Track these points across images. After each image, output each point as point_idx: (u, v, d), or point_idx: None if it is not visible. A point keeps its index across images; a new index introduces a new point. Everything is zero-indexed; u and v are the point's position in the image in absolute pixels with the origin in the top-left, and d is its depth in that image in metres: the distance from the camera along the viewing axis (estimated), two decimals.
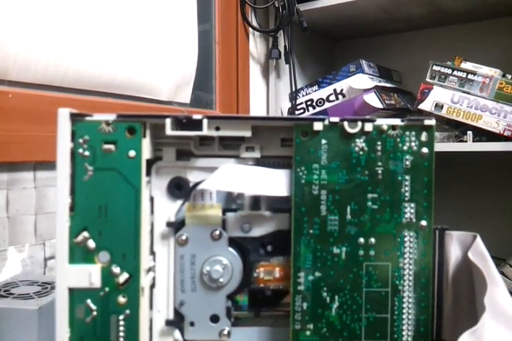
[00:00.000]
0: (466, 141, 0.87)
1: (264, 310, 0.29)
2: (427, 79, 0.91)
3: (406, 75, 1.07)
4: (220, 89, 0.94)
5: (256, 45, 1.03)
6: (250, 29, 0.99)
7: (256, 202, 0.28)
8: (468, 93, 0.88)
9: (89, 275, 0.26)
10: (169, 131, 0.27)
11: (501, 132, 0.85)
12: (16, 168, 0.56)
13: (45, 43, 0.58)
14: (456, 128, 0.89)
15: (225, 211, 0.28)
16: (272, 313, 0.30)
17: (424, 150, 0.27)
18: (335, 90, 0.96)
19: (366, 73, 0.98)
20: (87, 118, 0.26)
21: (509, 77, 0.87)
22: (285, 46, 0.99)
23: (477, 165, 1.02)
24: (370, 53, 1.05)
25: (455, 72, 0.89)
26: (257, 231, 0.28)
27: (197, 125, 0.27)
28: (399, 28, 1.07)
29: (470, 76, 0.88)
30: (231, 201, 0.29)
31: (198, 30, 0.86)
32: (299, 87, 1.00)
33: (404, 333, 0.27)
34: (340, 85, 0.97)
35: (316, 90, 1.00)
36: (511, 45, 1.00)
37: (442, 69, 0.90)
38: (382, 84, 0.99)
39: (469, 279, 0.26)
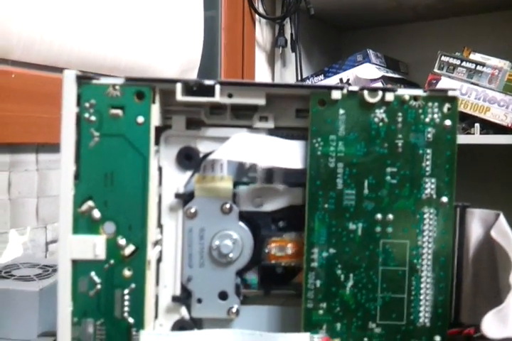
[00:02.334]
0: (474, 134, 0.86)
1: (275, 289, 0.28)
2: (435, 70, 0.89)
3: (413, 67, 1.06)
4: (225, 75, 0.92)
5: (262, 33, 1.01)
6: (257, 16, 0.98)
7: (269, 175, 0.27)
8: (477, 84, 0.87)
9: (94, 246, 0.25)
10: (180, 96, 0.25)
11: (509, 125, 0.84)
12: (18, 149, 0.55)
13: (49, 23, 0.57)
14: (463, 121, 0.87)
15: (235, 184, 0.27)
16: (282, 292, 0.28)
17: (447, 122, 0.25)
18: (341, 80, 0.95)
19: (373, 63, 0.97)
20: (94, 81, 0.25)
21: None
22: (291, 34, 0.98)
23: (484, 158, 1.01)
24: (377, 43, 1.04)
25: (464, 63, 0.88)
26: (269, 206, 0.27)
27: (209, 91, 0.25)
28: (407, 19, 1.05)
29: (479, 67, 0.87)
30: (242, 174, 0.27)
31: (204, 16, 0.85)
32: (304, 76, 0.99)
33: (421, 314, 0.26)
34: (347, 75, 0.95)
35: (321, 79, 0.98)
36: None
37: (451, 60, 0.89)
38: (389, 74, 0.98)
39: (491, 259, 0.25)
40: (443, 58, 0.90)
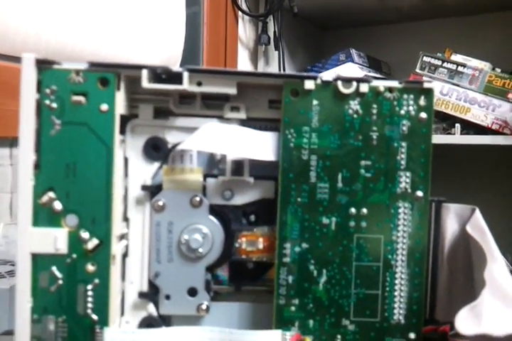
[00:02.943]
0: (454, 134, 0.86)
1: (246, 284, 0.27)
2: (417, 70, 0.89)
3: (395, 67, 1.06)
4: None
5: (245, 30, 1.00)
6: (239, 13, 0.97)
7: (238, 167, 0.26)
8: (458, 85, 0.87)
9: (55, 239, 0.24)
10: (146, 83, 0.24)
11: (489, 125, 0.85)
12: None
13: (25, 13, 0.55)
14: (444, 121, 0.88)
15: (205, 176, 0.26)
16: (253, 288, 0.27)
17: (423, 115, 0.25)
18: None
19: (356, 63, 0.97)
20: (55, 66, 0.24)
21: (498, 70, 0.87)
22: (274, 32, 0.97)
23: (464, 158, 1.02)
24: (360, 43, 1.04)
25: (445, 64, 0.88)
26: (240, 199, 0.26)
27: (177, 79, 0.24)
28: (390, 19, 1.06)
29: (460, 68, 0.87)
30: (213, 166, 0.26)
31: (187, 12, 0.84)
32: None
33: (395, 311, 0.25)
34: (330, 74, 0.95)
35: None
36: (501, 40, 1.00)
37: (432, 61, 0.89)
38: (372, 74, 0.98)
39: (466, 255, 0.25)
40: (425, 59, 0.90)
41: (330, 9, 1.01)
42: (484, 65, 0.86)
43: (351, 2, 0.97)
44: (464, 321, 0.20)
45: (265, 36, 0.98)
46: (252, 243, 0.26)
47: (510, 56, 0.93)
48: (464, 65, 0.86)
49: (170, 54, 0.79)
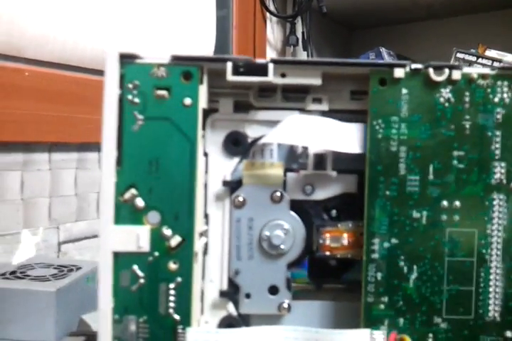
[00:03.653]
0: None
1: (328, 282, 0.26)
2: None
3: None
4: None
5: (273, 31, 1.00)
6: (268, 15, 0.96)
7: (320, 161, 0.25)
8: None
9: (137, 237, 0.23)
10: (230, 76, 0.23)
11: None
12: (31, 148, 0.54)
13: (62, 21, 0.55)
14: None
15: (286, 171, 0.25)
16: (332, 286, 0.27)
17: None
18: None
19: None
20: (138, 60, 0.23)
21: None
22: (303, 33, 0.97)
23: None
24: (388, 42, 1.02)
25: (480, 60, 0.87)
26: (321, 194, 0.25)
27: (260, 71, 0.24)
28: (419, 17, 1.04)
29: (495, 64, 0.85)
30: (293, 160, 0.26)
31: (216, 16, 0.84)
32: None
33: (490, 308, 0.24)
34: None
35: None
36: None
37: (467, 57, 0.87)
38: None
39: None
40: (458, 55, 0.88)
41: (358, 8, 1.00)
42: None
43: (380, 1, 0.96)
44: None
45: (293, 37, 0.97)
46: (337, 239, 0.25)
47: None
48: (499, 61, 0.84)
49: None
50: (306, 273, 0.27)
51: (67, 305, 0.39)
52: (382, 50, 0.97)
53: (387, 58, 0.96)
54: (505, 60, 0.85)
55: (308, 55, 0.98)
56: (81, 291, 0.41)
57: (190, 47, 0.76)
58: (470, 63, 0.87)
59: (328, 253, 0.25)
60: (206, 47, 0.81)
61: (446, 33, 1.04)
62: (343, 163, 0.25)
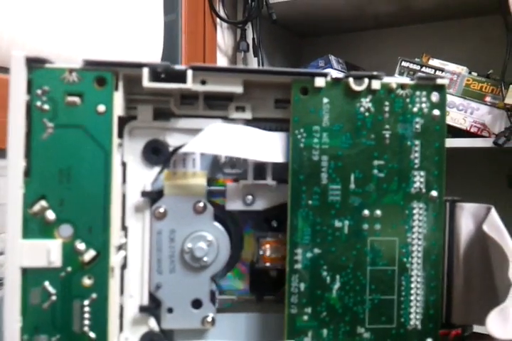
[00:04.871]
0: None
1: (268, 294, 0.25)
2: (396, 75, 0.90)
3: None
4: None
5: (223, 37, 0.99)
6: (218, 20, 0.96)
7: (260, 171, 0.25)
8: None
9: (48, 252, 0.22)
10: (146, 82, 0.23)
11: (468, 128, 0.86)
12: None
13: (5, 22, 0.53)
14: None
15: (209, 181, 0.25)
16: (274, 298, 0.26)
17: (436, 112, 0.24)
18: None
19: (335, 69, 0.97)
20: (47, 64, 0.22)
21: (475, 74, 0.88)
22: (253, 39, 0.97)
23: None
24: (338, 50, 1.04)
25: (423, 69, 0.89)
26: (261, 204, 0.25)
27: (180, 77, 0.23)
28: (367, 26, 1.07)
29: (438, 72, 0.88)
30: (217, 170, 0.25)
31: (164, 20, 0.83)
32: None
33: (412, 316, 0.24)
34: None
35: None
36: (477, 45, 1.02)
37: (411, 66, 0.90)
38: None
39: (483, 255, 0.24)
40: (403, 64, 0.91)
41: (308, 17, 1.01)
42: (461, 69, 0.87)
43: (329, 10, 0.97)
44: (495, 324, 0.19)
45: (244, 43, 0.97)
46: (277, 249, 0.25)
47: (485, 60, 0.95)
48: (441, 70, 0.87)
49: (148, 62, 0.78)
50: (236, 284, 0.26)
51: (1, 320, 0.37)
52: (331, 57, 0.98)
53: (335, 65, 0.98)
54: (447, 68, 0.88)
55: (258, 61, 0.98)
56: None
57: (136, 53, 0.75)
58: (414, 72, 0.90)
59: (268, 264, 0.25)
60: (153, 53, 0.80)
61: (393, 42, 1.07)
62: (283, 172, 0.25)
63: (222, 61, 0.99)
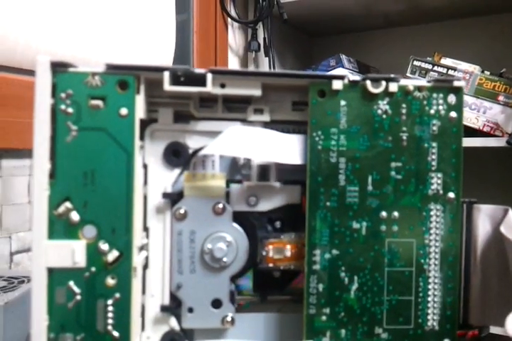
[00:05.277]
0: None
1: (272, 294, 0.26)
2: (408, 74, 0.90)
3: (384, 72, 1.07)
4: None
5: (235, 37, 1.00)
6: (229, 20, 0.96)
7: (263, 172, 0.25)
8: None
9: (73, 252, 0.23)
10: (167, 85, 0.23)
11: (481, 128, 0.85)
12: None
13: (13, 22, 0.54)
14: None
15: (228, 182, 0.25)
16: (277, 298, 0.26)
17: (453, 114, 0.24)
18: None
19: (346, 68, 0.97)
20: (71, 69, 0.23)
21: (487, 73, 0.88)
22: (264, 38, 0.97)
23: None
24: (348, 49, 1.04)
25: (435, 68, 0.89)
26: (265, 205, 0.25)
27: (199, 81, 0.23)
28: (377, 25, 1.06)
29: (450, 72, 0.88)
30: (236, 171, 0.25)
31: (176, 20, 0.83)
32: None
33: (429, 317, 0.24)
34: None
35: None
36: (487, 43, 1.01)
37: (423, 65, 0.90)
38: None
39: (500, 256, 0.24)
40: (415, 63, 0.90)
41: (318, 16, 1.01)
42: (474, 68, 0.87)
43: (339, 9, 0.97)
44: None
45: (255, 43, 0.97)
46: (280, 250, 0.25)
47: (498, 59, 0.94)
48: (454, 69, 0.87)
49: (160, 62, 0.78)
50: (250, 285, 0.26)
51: (16, 319, 0.37)
52: (342, 56, 0.98)
53: (347, 64, 0.98)
54: (459, 67, 0.88)
55: (269, 61, 0.98)
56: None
57: (149, 53, 0.75)
58: (426, 71, 0.90)
59: (271, 264, 0.25)
60: (166, 53, 0.80)
61: (404, 40, 1.06)
62: (287, 174, 0.25)
63: (233, 61, 0.99)
